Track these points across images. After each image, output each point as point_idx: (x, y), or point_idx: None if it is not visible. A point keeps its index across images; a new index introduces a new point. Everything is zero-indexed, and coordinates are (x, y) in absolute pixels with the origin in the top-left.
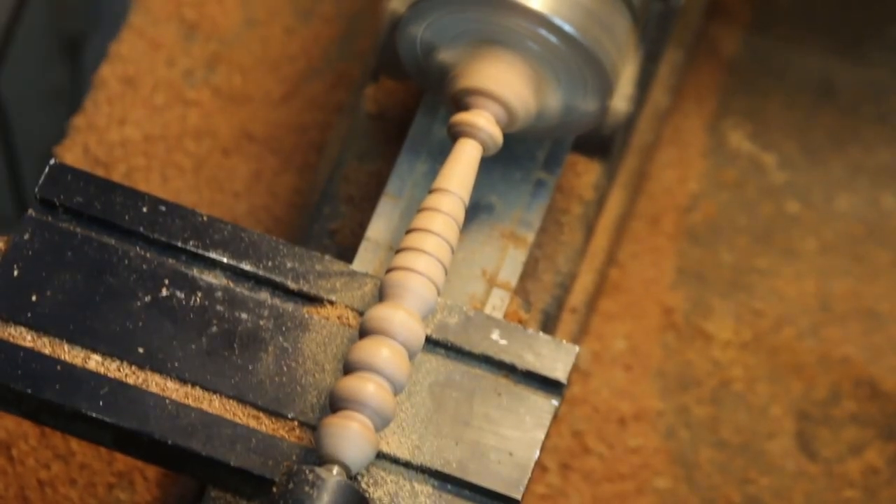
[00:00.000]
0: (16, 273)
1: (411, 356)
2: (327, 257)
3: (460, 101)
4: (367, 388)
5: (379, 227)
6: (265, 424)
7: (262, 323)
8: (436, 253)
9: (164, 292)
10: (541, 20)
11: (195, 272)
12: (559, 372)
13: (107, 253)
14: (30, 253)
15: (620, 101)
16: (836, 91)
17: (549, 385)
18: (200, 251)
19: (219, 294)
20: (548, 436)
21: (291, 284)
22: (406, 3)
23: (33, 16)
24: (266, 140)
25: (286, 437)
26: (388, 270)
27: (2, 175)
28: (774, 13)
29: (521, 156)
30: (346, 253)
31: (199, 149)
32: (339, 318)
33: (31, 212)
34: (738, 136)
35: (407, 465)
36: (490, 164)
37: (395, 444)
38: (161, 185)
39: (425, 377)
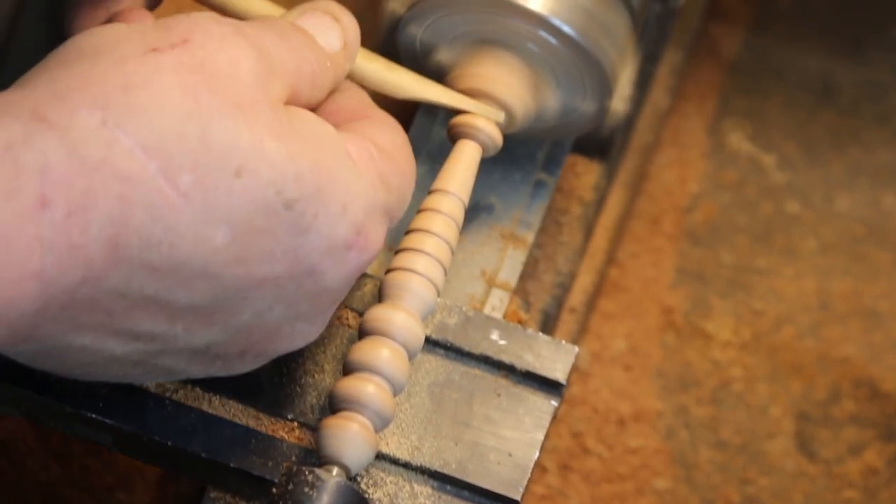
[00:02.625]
0: None
1: (411, 357)
2: None
3: None
4: (367, 388)
5: None
6: (265, 425)
7: None
8: (435, 253)
9: None
10: (540, 21)
11: None
12: (559, 372)
13: None
14: None
15: (619, 102)
16: (837, 91)
17: (548, 385)
18: None
19: None
20: (547, 436)
21: None
22: (405, 4)
23: (32, 17)
24: None
25: (286, 437)
26: (388, 271)
27: None
28: (774, 13)
29: (520, 157)
30: None
31: None
32: (338, 318)
33: None
34: (738, 137)
35: (406, 465)
36: (490, 165)
37: (395, 445)
38: None
39: (424, 377)
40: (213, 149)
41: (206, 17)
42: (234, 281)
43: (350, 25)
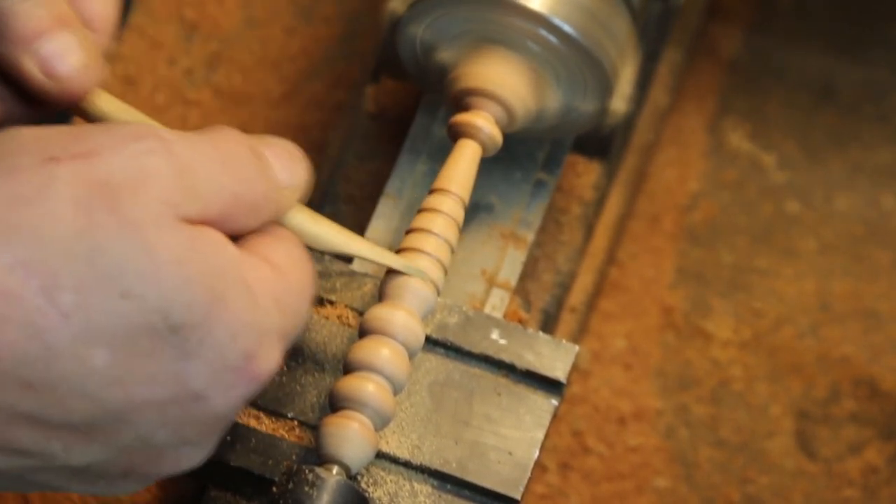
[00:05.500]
0: None
1: (411, 356)
2: (327, 257)
3: (460, 102)
4: (367, 387)
5: (379, 228)
6: (265, 424)
7: None
8: (436, 253)
9: None
10: (540, 20)
11: None
12: (559, 371)
13: None
14: None
15: (619, 102)
16: (837, 91)
17: (548, 384)
18: None
19: None
20: (547, 435)
21: None
22: (406, 3)
23: None
24: None
25: (286, 436)
26: (388, 270)
27: None
28: (774, 13)
29: (520, 156)
30: None
31: None
32: (339, 317)
33: None
34: (738, 136)
35: (406, 464)
36: (490, 165)
37: (395, 444)
38: None
39: (425, 377)
40: (101, 270)
41: (126, 130)
42: (115, 403)
43: (306, 167)
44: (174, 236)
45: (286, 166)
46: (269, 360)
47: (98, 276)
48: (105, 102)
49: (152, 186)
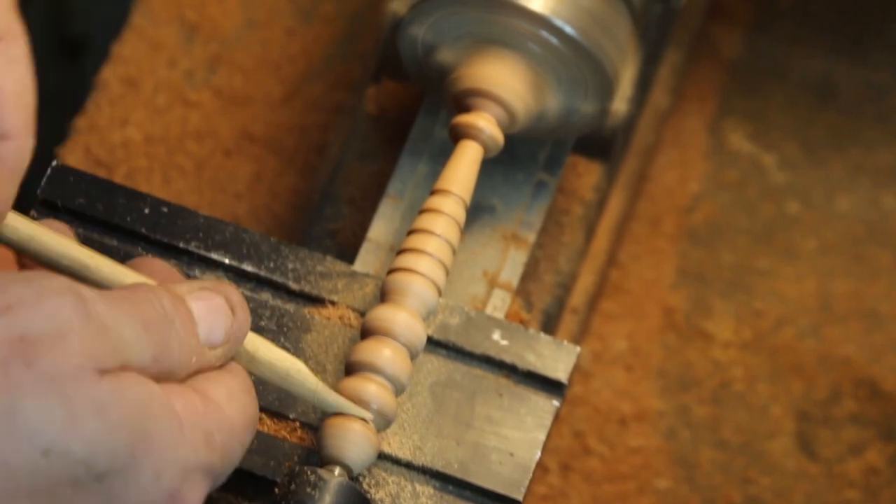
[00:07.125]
0: None
1: (413, 357)
2: (329, 258)
3: (461, 103)
4: (369, 388)
5: (380, 229)
6: (267, 425)
7: (263, 324)
8: (437, 254)
9: None
10: (541, 21)
11: (197, 273)
12: (560, 372)
13: (109, 254)
14: None
15: (620, 103)
16: (837, 91)
17: (550, 385)
18: (202, 252)
19: None
20: (549, 436)
21: (293, 285)
22: (407, 4)
23: (34, 17)
24: (267, 141)
25: (288, 437)
26: (390, 271)
27: None
28: (775, 13)
29: (522, 157)
30: (348, 254)
31: (201, 150)
32: (340, 318)
33: (33, 213)
34: (738, 137)
35: (408, 465)
36: (491, 166)
37: (397, 445)
38: (162, 186)
39: (426, 378)
40: (20, 428)
41: (45, 283)
42: None
43: (240, 323)
44: (93, 387)
45: (217, 324)
46: (193, 497)
47: (17, 434)
48: (19, 224)
49: (70, 342)
